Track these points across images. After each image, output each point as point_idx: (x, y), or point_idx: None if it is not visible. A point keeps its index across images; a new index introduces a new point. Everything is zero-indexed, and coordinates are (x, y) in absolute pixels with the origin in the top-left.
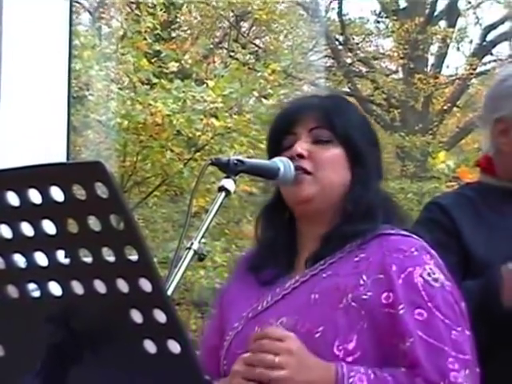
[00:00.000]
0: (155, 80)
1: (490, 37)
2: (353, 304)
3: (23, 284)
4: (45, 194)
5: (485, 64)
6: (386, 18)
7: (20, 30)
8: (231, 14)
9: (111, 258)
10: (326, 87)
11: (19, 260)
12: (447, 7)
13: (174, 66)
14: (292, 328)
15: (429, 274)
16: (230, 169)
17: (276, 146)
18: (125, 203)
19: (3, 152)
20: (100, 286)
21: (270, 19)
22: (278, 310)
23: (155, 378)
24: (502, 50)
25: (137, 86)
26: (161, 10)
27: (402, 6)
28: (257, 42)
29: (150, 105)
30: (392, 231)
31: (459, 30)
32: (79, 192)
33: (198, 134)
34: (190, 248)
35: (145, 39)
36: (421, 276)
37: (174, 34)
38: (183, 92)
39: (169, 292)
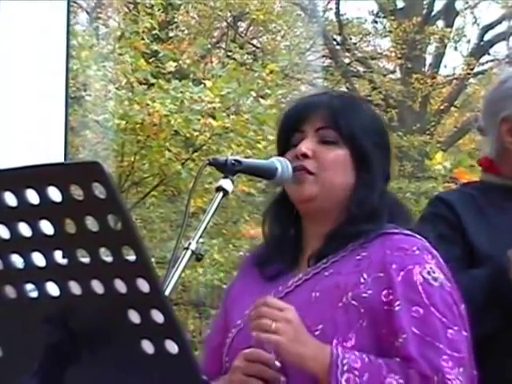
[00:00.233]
0: (153, 80)
1: (487, 37)
2: (352, 302)
3: (21, 284)
4: (42, 195)
5: (482, 64)
6: (384, 17)
7: (17, 30)
8: (229, 15)
9: (109, 259)
10: (323, 87)
11: (17, 260)
12: (445, 7)
13: (171, 66)
14: None
15: (428, 273)
16: (228, 169)
17: (285, 143)
18: (122, 203)
19: (1, 152)
20: (98, 287)
21: (267, 19)
22: None
23: (153, 379)
24: (499, 49)
25: (134, 86)
26: (158, 10)
27: (399, 6)
28: (254, 42)
29: (148, 105)
30: (395, 230)
31: (457, 30)
32: (77, 192)
33: (196, 134)
34: (187, 248)
35: (142, 39)
36: (420, 274)
37: (171, 34)
38: (181, 92)
39: (166, 292)
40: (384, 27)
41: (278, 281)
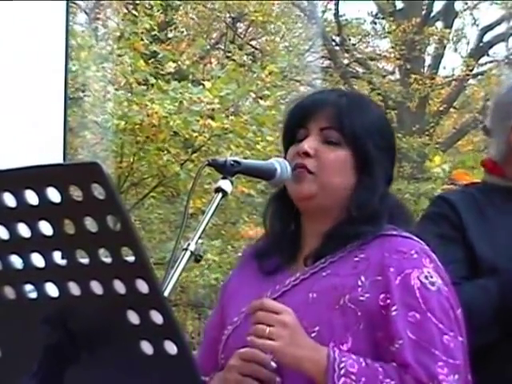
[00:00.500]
0: (152, 81)
1: (486, 38)
2: (349, 305)
3: (20, 285)
4: (41, 195)
5: (481, 65)
6: (383, 18)
7: (16, 31)
8: (228, 16)
9: (108, 259)
10: (322, 88)
11: (16, 261)
12: (444, 8)
13: (170, 67)
14: None
15: (426, 277)
16: (227, 170)
17: (290, 138)
18: (121, 204)
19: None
20: (97, 287)
21: (266, 21)
22: None
23: (152, 379)
24: (498, 50)
25: (133, 86)
26: (158, 11)
27: (398, 7)
28: (253, 43)
29: (147, 106)
30: (394, 232)
31: (456, 31)
32: (76, 193)
33: (195, 135)
34: (186, 249)
35: (142, 40)
36: (418, 278)
37: (170, 35)
38: (180, 93)
39: (165, 293)
40: (383, 28)
41: (276, 276)
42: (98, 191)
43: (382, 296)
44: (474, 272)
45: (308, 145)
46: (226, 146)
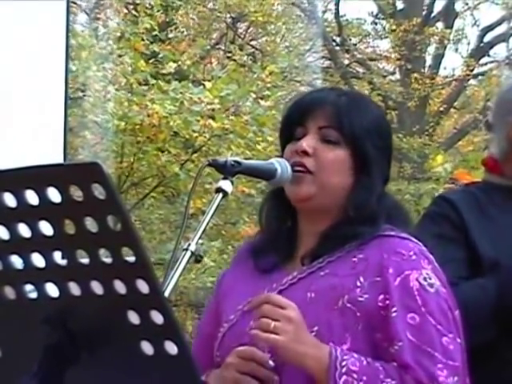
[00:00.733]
0: (152, 81)
1: (487, 38)
2: (348, 305)
3: (20, 285)
4: (42, 195)
5: (482, 65)
6: (383, 19)
7: (17, 31)
8: (228, 16)
9: (108, 260)
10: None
11: (16, 261)
12: (444, 8)
13: (171, 67)
14: None
15: (425, 279)
16: (227, 170)
17: (288, 135)
18: (122, 204)
19: (0, 153)
20: (97, 288)
21: (266, 21)
22: None
23: (152, 379)
24: (499, 51)
25: (134, 86)
26: (158, 11)
27: (399, 7)
28: (254, 43)
29: (147, 106)
30: (392, 233)
31: (456, 31)
32: (76, 193)
33: (195, 135)
34: (187, 249)
35: (142, 40)
36: (417, 280)
37: (171, 35)
38: (180, 93)
39: (166, 293)
40: (383, 28)
41: (272, 275)
42: (99, 191)
43: (381, 297)
44: (476, 271)
45: (306, 143)
46: (226, 146)
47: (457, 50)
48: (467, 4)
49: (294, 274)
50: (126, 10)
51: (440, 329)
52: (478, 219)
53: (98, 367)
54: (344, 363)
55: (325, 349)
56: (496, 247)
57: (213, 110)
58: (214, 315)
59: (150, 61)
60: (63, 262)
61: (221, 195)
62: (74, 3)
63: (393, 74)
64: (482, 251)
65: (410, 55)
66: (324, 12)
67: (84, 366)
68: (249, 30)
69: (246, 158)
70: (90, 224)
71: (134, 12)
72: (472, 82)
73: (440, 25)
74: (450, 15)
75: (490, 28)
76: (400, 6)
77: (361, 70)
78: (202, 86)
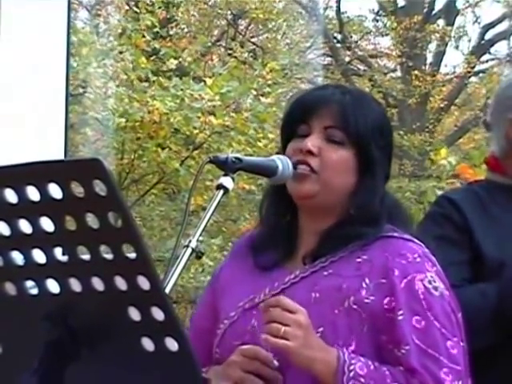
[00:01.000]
0: (153, 78)
1: (488, 35)
2: (354, 307)
3: (21, 281)
4: (43, 191)
5: (483, 63)
6: (385, 16)
7: (18, 28)
8: (229, 13)
9: (109, 256)
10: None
11: (17, 257)
12: (446, 5)
13: (172, 64)
14: None
15: (430, 282)
16: (228, 167)
17: (290, 132)
18: (123, 201)
19: (1, 149)
20: (98, 284)
21: (267, 18)
22: None
23: (153, 376)
24: (500, 48)
25: (135, 83)
26: (159, 7)
27: (400, 5)
28: (254, 40)
29: (148, 102)
30: (395, 234)
31: (457, 29)
32: (77, 189)
33: (196, 132)
34: (187, 246)
35: (143, 37)
36: (422, 283)
37: (172, 32)
38: (181, 90)
39: (167, 290)
40: (385, 25)
41: (273, 273)
42: (100, 187)
43: (386, 299)
44: (481, 272)
45: (312, 143)
46: (226, 143)
47: (458, 47)
48: (468, 1)
49: (296, 273)
50: (127, 7)
51: (444, 332)
52: (482, 219)
53: (98, 363)
54: (352, 367)
55: (333, 352)
56: (500, 248)
57: (213, 106)
58: (210, 309)
59: (151, 57)
60: (64, 258)
61: (222, 192)
62: (75, 0)
63: (394, 71)
64: (486, 252)
65: (410, 52)
66: (325, 9)
67: (85, 362)
68: (250, 27)
69: (246, 155)
70: (91, 220)
71: (134, 9)
72: (473, 79)
73: (441, 22)
74: (451, 12)
75: (491, 25)
76: (401, 3)
77: (362, 67)
78: (202, 83)
